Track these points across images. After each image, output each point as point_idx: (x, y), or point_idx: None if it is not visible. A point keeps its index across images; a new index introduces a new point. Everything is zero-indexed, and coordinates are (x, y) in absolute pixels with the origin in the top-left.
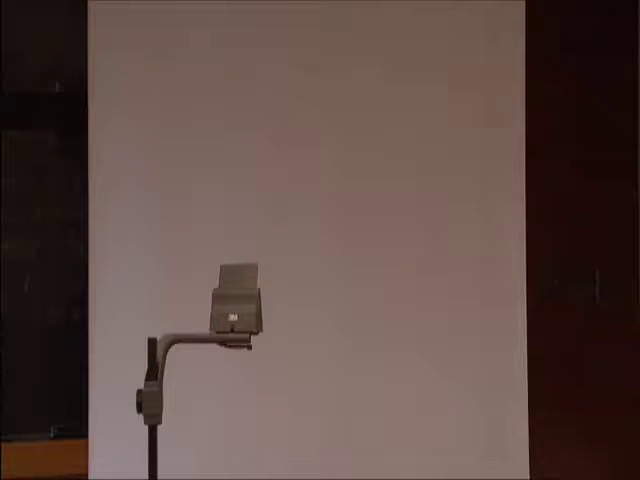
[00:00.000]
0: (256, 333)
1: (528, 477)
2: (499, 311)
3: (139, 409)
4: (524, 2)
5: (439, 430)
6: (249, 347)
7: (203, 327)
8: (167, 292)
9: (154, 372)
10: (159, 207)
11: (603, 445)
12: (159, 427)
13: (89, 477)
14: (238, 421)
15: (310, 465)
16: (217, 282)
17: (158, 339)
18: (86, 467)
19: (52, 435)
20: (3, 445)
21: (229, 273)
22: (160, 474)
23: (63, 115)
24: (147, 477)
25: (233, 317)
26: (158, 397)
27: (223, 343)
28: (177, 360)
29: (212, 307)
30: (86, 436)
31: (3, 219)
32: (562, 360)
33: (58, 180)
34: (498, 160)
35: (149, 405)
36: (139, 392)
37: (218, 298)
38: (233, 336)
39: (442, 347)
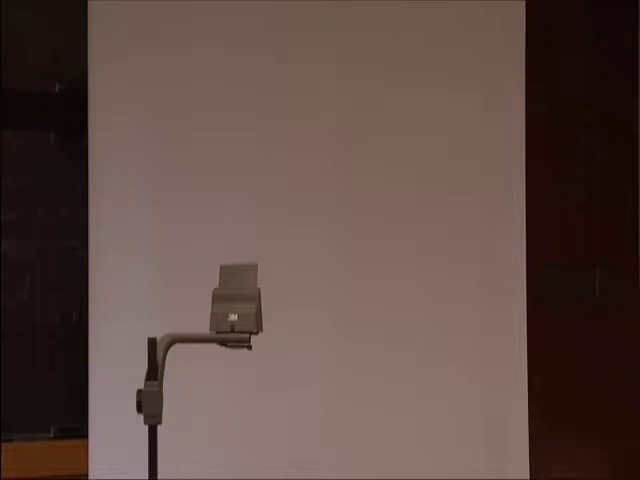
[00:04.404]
0: (256, 333)
1: (528, 477)
2: (499, 311)
3: (139, 409)
4: (524, 2)
5: (439, 430)
6: (249, 347)
7: (203, 327)
8: (167, 292)
9: (154, 372)
10: (159, 207)
11: (604, 445)
12: (159, 427)
13: (89, 477)
14: (238, 421)
15: (310, 465)
16: (217, 282)
17: (158, 339)
18: (86, 467)
19: (52, 435)
20: (3, 445)
21: (229, 273)
22: (160, 474)
23: (63, 115)
24: (147, 477)
25: (233, 317)
26: (158, 397)
27: (223, 343)
28: (177, 360)
29: (212, 307)
30: (86, 436)
31: (3, 219)
32: (562, 359)
33: (58, 180)
34: (498, 160)
35: (149, 405)
36: (139, 392)
37: (218, 298)
38: (233, 336)
39: (442, 347)
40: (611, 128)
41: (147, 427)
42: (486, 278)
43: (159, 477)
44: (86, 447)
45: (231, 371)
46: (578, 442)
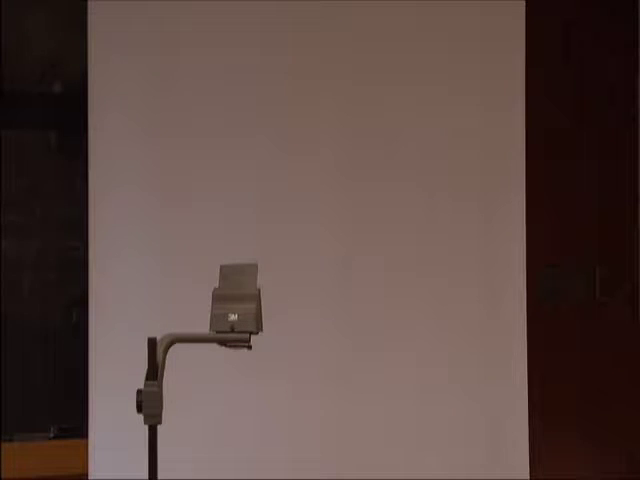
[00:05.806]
0: (256, 333)
1: (528, 477)
2: (499, 311)
3: (139, 409)
4: (524, 2)
5: (439, 430)
6: (249, 347)
7: (203, 327)
8: (167, 292)
9: (154, 372)
10: (159, 207)
11: (604, 445)
12: (159, 427)
13: (89, 477)
14: (238, 421)
15: (310, 465)
16: (217, 282)
17: (158, 339)
18: (86, 467)
19: (52, 435)
20: (3, 445)
21: (229, 273)
22: (160, 474)
23: (63, 115)
24: (147, 477)
25: (233, 317)
26: (158, 397)
27: (223, 343)
28: (177, 360)
29: (212, 307)
30: (86, 436)
31: (3, 219)
32: (562, 359)
33: (58, 180)
34: (498, 160)
35: (149, 405)
36: (139, 392)
37: (218, 298)
38: (233, 336)
39: (442, 347)
40: (612, 127)
41: (147, 427)
42: (486, 278)
43: (159, 477)
44: (86, 447)
45: (231, 371)
46: (578, 442)
